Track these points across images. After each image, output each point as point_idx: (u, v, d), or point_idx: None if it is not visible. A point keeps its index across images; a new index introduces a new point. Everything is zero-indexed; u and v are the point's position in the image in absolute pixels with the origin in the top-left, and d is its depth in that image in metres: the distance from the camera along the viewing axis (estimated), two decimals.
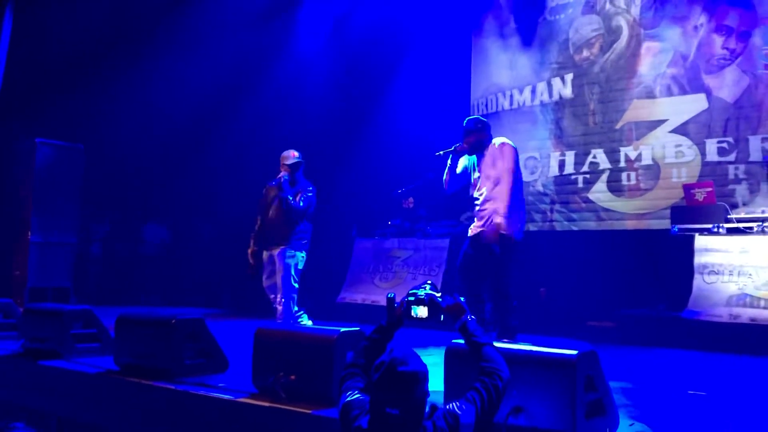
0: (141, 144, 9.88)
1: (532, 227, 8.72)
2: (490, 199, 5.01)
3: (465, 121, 5.24)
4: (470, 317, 2.74)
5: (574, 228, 8.43)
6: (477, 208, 5.15)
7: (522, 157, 8.82)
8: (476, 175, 5.17)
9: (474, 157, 5.22)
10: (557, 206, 8.61)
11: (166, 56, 9.70)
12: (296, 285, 5.98)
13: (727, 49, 7.40)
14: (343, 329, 3.72)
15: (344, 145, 9.86)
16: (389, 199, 8.98)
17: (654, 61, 7.94)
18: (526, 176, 8.82)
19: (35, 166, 8.92)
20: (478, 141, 5.13)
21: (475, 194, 5.17)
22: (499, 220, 4.91)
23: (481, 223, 5.05)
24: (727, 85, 7.37)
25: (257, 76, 10.12)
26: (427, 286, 2.86)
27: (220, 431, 3.88)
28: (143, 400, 4.34)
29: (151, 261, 10.88)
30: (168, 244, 11.07)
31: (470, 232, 5.19)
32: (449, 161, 5.24)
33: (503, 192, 4.93)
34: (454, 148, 5.18)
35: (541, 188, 8.72)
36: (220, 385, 4.21)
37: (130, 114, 9.79)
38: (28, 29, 8.50)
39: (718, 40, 7.47)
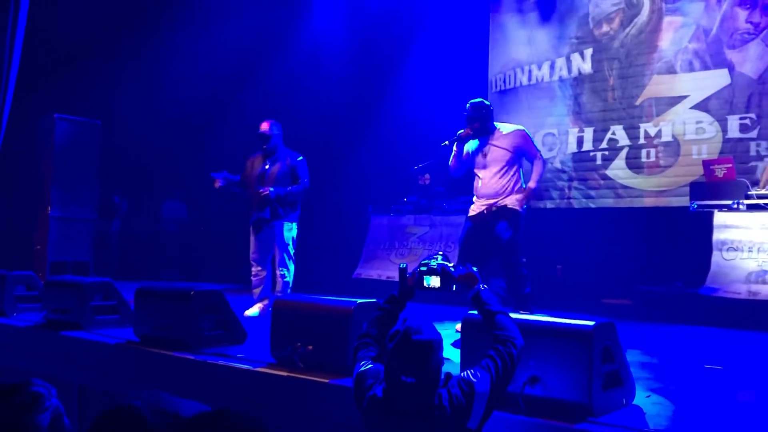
0: (159, 120, 9.93)
1: (549, 204, 8.68)
2: (498, 181, 5.10)
3: (467, 105, 5.26)
4: (483, 286, 2.74)
5: (592, 205, 8.38)
6: (480, 189, 5.21)
7: (540, 134, 8.79)
8: (480, 158, 5.21)
9: (476, 141, 5.26)
10: (575, 183, 8.55)
11: (183, 32, 9.70)
12: (294, 256, 6.15)
13: (751, 23, 7.27)
14: (360, 300, 3.75)
15: (360, 121, 9.84)
16: (405, 175, 8.95)
17: (675, 35, 7.82)
18: (544, 153, 8.73)
19: (54, 142, 8.99)
20: (482, 126, 5.20)
21: (480, 175, 5.22)
22: (514, 197, 5.13)
23: (486, 202, 5.12)
24: (751, 60, 7.24)
25: (273, 52, 10.10)
26: (439, 257, 2.85)
27: (239, 400, 3.93)
28: (163, 369, 4.41)
29: (170, 237, 10.97)
30: (186, 220, 11.14)
31: (471, 212, 5.25)
32: (455, 148, 5.29)
33: (535, 174, 5.21)
34: (458, 135, 5.22)
35: (559, 165, 8.66)
36: (239, 355, 4.26)
37: (148, 90, 9.83)
38: (45, 5, 8.52)
39: (742, 14, 7.33)
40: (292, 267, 6.16)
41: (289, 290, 6.14)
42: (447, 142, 5.30)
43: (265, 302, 6.11)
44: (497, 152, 5.15)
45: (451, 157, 5.33)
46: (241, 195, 6.46)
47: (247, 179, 6.25)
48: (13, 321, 5.82)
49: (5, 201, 9.84)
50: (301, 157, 6.17)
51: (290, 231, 6.14)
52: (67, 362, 5.01)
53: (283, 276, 6.13)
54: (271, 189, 5.98)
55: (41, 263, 8.83)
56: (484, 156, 5.20)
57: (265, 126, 6.16)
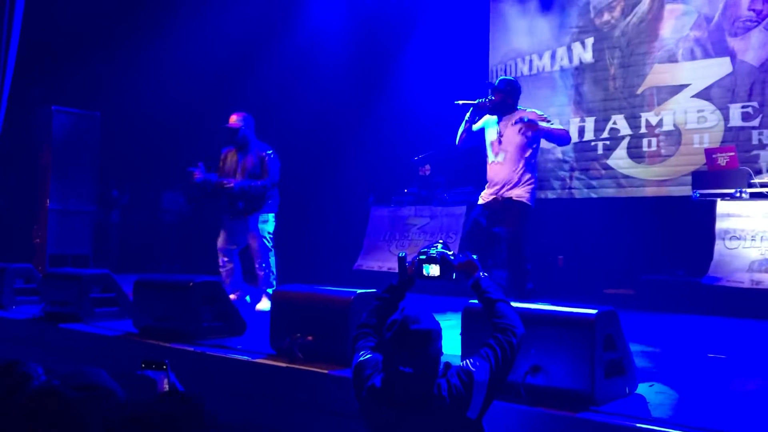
0: (158, 111, 9.86)
1: (551, 195, 8.64)
2: (510, 167, 4.98)
3: (497, 81, 5.19)
4: (483, 274, 2.69)
5: (594, 195, 8.34)
6: (492, 175, 5.09)
7: None
8: (495, 142, 5.09)
9: (495, 119, 5.14)
10: (577, 173, 8.51)
11: (182, 23, 9.64)
12: (272, 248, 6.01)
13: (753, 10, 7.21)
14: (359, 291, 3.73)
15: (360, 112, 9.79)
16: (405, 166, 8.92)
17: (677, 24, 7.76)
18: (545, 143, 8.66)
19: (52, 134, 8.94)
20: (503, 102, 5.03)
21: (494, 161, 5.10)
22: (522, 188, 4.98)
23: (496, 190, 5.02)
24: (753, 47, 7.19)
25: (272, 42, 10.04)
26: (439, 245, 2.81)
27: (238, 391, 3.90)
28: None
29: (170, 229, 10.93)
30: (186, 211, 11.09)
31: (482, 200, 5.13)
32: (467, 115, 5.11)
33: (553, 127, 5.08)
34: (477, 102, 5.01)
35: (560, 155, 8.61)
36: (238, 347, 4.23)
37: (147, 81, 9.77)
38: None
39: (745, 2, 7.27)
40: (272, 259, 6.00)
41: (272, 281, 5.98)
42: (461, 102, 5.07)
43: (237, 293, 6.03)
44: (512, 136, 4.98)
45: (462, 125, 5.13)
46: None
47: (221, 172, 6.13)
48: (11, 314, 5.80)
49: (4, 194, 9.81)
50: (270, 151, 6.01)
51: (264, 223, 5.97)
52: (65, 355, 4.98)
53: (260, 269, 6.00)
54: (232, 185, 5.86)
55: (41, 256, 8.80)
56: (500, 138, 5.02)
57: (233, 119, 6.02)
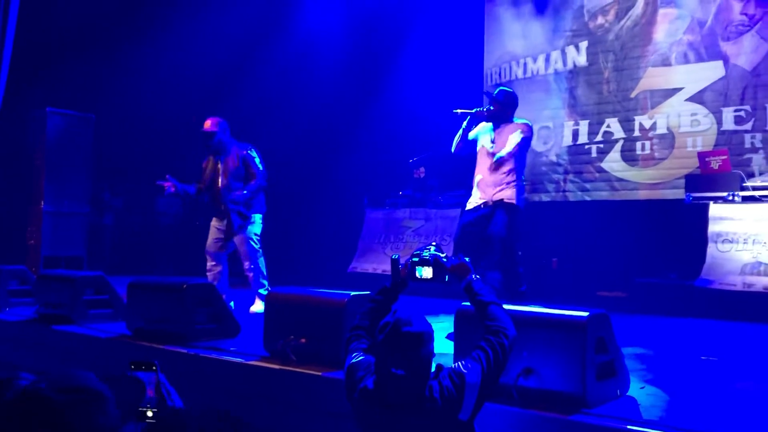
0: (152, 113, 9.85)
1: (545, 197, 8.67)
2: (499, 172, 5.03)
3: (496, 91, 5.26)
4: (475, 277, 2.71)
5: (588, 198, 8.36)
6: (481, 180, 5.14)
7: (535, 127, 8.66)
8: (490, 146, 5.14)
9: (490, 127, 5.18)
10: (570, 176, 8.53)
11: (177, 26, 9.64)
12: (260, 249, 6.01)
13: (745, 15, 7.24)
14: (353, 293, 3.74)
15: (355, 114, 9.80)
16: (400, 169, 8.94)
17: (670, 27, 7.79)
18: (539, 146, 8.72)
19: (47, 136, 8.94)
20: (500, 112, 5.11)
21: (484, 166, 5.15)
22: (512, 191, 5.04)
23: (485, 194, 5.06)
24: (745, 52, 7.22)
25: (268, 45, 10.05)
26: (432, 247, 2.82)
27: (232, 394, 3.90)
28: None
29: (165, 231, 10.92)
30: (181, 214, 11.09)
31: (471, 205, 5.17)
32: (465, 123, 5.17)
33: (513, 167, 5.09)
34: (475, 111, 5.11)
35: (554, 158, 8.64)
36: (232, 348, 4.24)
37: (142, 83, 9.77)
38: None
39: (737, 6, 7.30)
40: (261, 260, 6.01)
41: (262, 282, 6.00)
42: (459, 111, 5.14)
43: (222, 297, 6.03)
44: (502, 143, 5.05)
45: (459, 133, 5.19)
46: (199, 197, 6.27)
47: (204, 181, 6.13)
48: (4, 315, 5.79)
49: None
50: (251, 150, 6.03)
51: (252, 225, 5.99)
52: (58, 357, 4.98)
53: (249, 270, 6.00)
54: (227, 204, 5.88)
55: (35, 258, 8.79)
56: (493, 145, 5.10)
57: (208, 124, 6.00)
